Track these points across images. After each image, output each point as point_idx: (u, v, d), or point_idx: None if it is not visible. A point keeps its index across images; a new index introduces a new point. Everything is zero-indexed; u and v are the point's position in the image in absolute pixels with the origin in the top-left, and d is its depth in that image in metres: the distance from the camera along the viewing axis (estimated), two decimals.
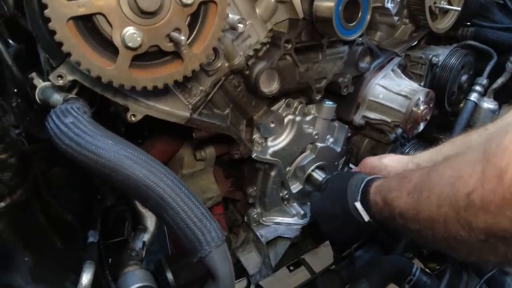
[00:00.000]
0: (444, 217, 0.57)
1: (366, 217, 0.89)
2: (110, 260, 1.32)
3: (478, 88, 1.43)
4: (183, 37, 0.66)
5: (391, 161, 1.04)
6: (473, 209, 0.51)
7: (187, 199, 0.57)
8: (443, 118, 1.55)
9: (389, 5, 1.22)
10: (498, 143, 0.49)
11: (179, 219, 0.57)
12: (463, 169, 0.54)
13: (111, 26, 0.66)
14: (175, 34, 0.67)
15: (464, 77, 1.44)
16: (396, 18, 1.28)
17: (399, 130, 1.34)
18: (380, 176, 0.94)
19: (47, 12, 0.61)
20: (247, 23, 0.93)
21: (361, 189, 0.91)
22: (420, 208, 0.63)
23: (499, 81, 1.42)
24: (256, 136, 1.11)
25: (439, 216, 0.58)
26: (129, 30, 0.65)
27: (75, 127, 0.58)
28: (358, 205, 0.90)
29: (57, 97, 0.79)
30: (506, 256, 0.54)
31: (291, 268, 1.82)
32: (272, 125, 1.09)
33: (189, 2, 0.66)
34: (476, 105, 1.43)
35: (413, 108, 1.20)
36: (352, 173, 1.01)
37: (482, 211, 0.50)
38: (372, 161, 1.08)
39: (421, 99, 1.21)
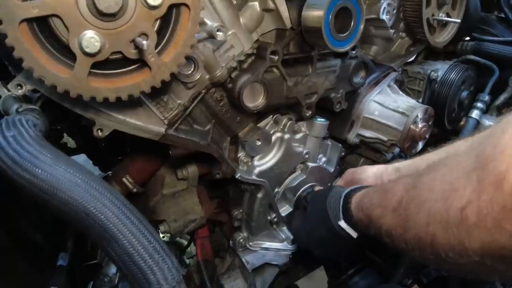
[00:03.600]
0: (432, 236, 0.49)
1: (354, 234, 0.84)
2: (91, 284, 1.24)
3: (480, 104, 1.35)
4: (145, 42, 0.58)
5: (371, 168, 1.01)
6: (466, 226, 0.43)
7: (135, 230, 0.48)
8: (443, 136, 1.47)
9: (384, 17, 1.16)
10: (495, 144, 0.41)
11: (125, 254, 0.47)
12: (456, 180, 0.46)
13: (68, 29, 0.59)
14: (140, 40, 0.60)
15: (464, 93, 1.37)
16: (392, 31, 1.22)
17: (397, 150, 1.26)
18: (358, 186, 0.89)
19: None
20: (230, 32, 0.88)
21: (341, 205, 0.85)
22: (408, 226, 0.56)
23: (502, 97, 1.35)
24: (241, 154, 1.04)
25: (426, 235, 0.50)
26: (87, 34, 0.57)
27: (15, 142, 0.50)
28: (343, 224, 0.84)
29: (15, 108, 0.73)
30: (505, 275, 0.48)
31: None
32: (259, 143, 1.03)
33: (156, 4, 0.59)
34: (478, 123, 1.35)
35: (411, 126, 1.13)
36: (329, 189, 0.95)
37: (478, 227, 0.43)
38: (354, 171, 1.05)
39: (420, 116, 1.14)
